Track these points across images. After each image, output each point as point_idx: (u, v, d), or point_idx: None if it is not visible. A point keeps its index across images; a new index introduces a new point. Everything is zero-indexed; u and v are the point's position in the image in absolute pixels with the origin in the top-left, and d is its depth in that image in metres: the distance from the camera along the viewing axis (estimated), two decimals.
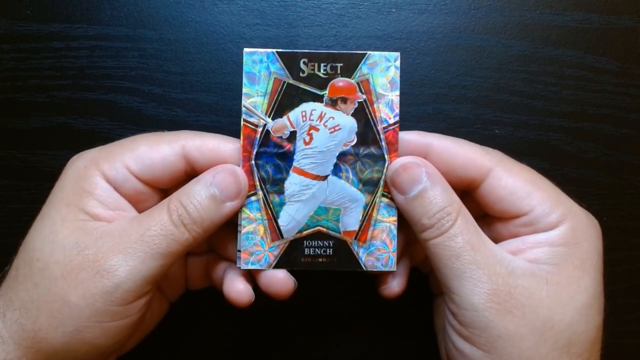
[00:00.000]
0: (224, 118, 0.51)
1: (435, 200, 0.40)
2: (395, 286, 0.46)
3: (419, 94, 0.51)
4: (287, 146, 0.42)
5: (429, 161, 0.42)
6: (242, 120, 0.42)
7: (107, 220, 0.40)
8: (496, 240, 0.42)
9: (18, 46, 0.50)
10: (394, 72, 0.42)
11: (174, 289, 0.48)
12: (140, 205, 0.43)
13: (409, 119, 0.51)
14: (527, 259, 0.40)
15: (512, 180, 0.41)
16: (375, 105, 0.42)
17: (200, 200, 0.40)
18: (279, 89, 0.42)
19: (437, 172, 0.41)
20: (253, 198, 0.43)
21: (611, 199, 0.52)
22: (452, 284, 0.39)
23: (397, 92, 0.42)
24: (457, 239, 0.39)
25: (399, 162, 0.42)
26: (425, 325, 0.52)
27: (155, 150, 0.42)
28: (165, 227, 0.39)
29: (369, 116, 0.42)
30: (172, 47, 0.50)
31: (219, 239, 0.45)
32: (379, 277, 0.47)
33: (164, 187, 0.43)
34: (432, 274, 0.49)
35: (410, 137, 0.43)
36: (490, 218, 0.44)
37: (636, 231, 0.53)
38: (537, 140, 0.52)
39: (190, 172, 0.43)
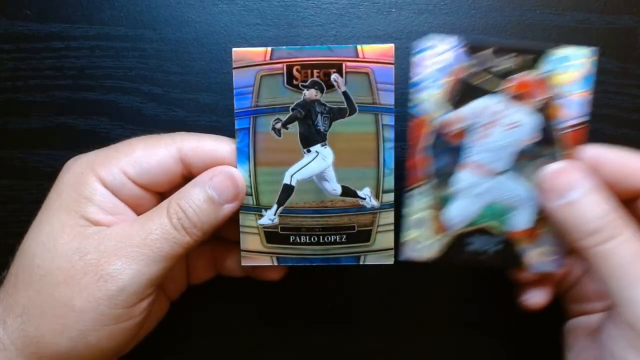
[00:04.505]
0: (223, 118, 0.51)
1: (599, 206, 0.38)
2: (541, 297, 0.45)
3: None
4: (461, 140, 0.41)
5: (597, 174, 0.41)
6: (416, 109, 0.41)
7: (107, 225, 0.40)
8: None
9: (18, 46, 0.50)
10: (587, 69, 0.40)
11: (175, 286, 0.48)
12: (138, 209, 0.43)
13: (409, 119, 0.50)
14: None
15: None
16: (559, 103, 0.41)
17: (198, 203, 0.40)
18: (460, 80, 0.41)
19: (595, 177, 0.40)
20: (423, 189, 0.42)
21: None
22: (625, 294, 0.37)
23: (587, 91, 0.40)
24: (629, 244, 0.37)
25: (555, 165, 0.41)
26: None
27: (151, 154, 0.42)
28: (166, 231, 0.39)
29: (552, 114, 0.41)
30: (172, 47, 0.50)
31: (226, 224, 0.43)
32: (521, 287, 0.46)
33: (161, 191, 0.43)
34: (570, 294, 0.48)
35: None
36: None
37: None
38: None
39: (187, 175, 0.43)
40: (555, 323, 0.49)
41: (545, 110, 0.41)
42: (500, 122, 0.41)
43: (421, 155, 0.42)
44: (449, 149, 0.41)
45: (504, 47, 0.40)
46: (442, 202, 0.42)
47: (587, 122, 0.41)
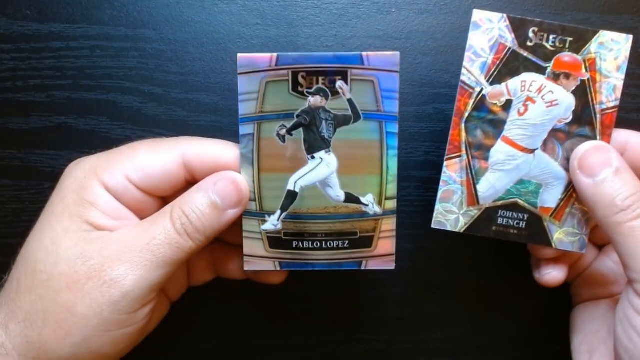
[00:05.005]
0: (223, 118, 0.51)
1: (631, 184, 0.40)
2: (558, 274, 0.46)
3: (419, 94, 0.51)
4: (500, 114, 0.43)
5: (625, 158, 0.42)
6: (460, 81, 0.42)
7: (109, 230, 0.40)
8: None
9: (18, 46, 0.50)
10: (624, 55, 0.42)
11: (176, 288, 0.49)
12: (141, 213, 0.43)
13: (409, 119, 0.51)
14: None
15: None
16: (597, 86, 0.42)
17: (202, 209, 0.40)
18: (503, 55, 0.42)
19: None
20: (457, 160, 0.43)
21: None
22: None
23: (622, 76, 0.42)
24: None
25: (589, 144, 0.42)
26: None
27: (155, 159, 0.41)
28: (169, 236, 0.39)
29: (589, 96, 0.42)
30: (172, 47, 0.50)
31: (228, 228, 0.43)
32: (538, 263, 0.47)
33: (164, 196, 0.43)
34: (580, 278, 0.50)
35: None
36: None
37: None
38: None
39: (190, 180, 0.43)
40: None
41: (582, 91, 0.42)
42: (539, 100, 0.42)
43: (462, 127, 0.43)
44: (489, 122, 0.43)
45: (548, 27, 0.42)
46: (476, 175, 0.43)
47: (618, 106, 0.42)
